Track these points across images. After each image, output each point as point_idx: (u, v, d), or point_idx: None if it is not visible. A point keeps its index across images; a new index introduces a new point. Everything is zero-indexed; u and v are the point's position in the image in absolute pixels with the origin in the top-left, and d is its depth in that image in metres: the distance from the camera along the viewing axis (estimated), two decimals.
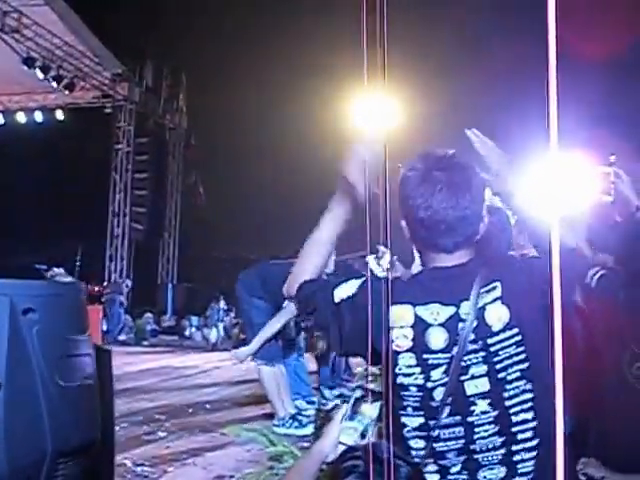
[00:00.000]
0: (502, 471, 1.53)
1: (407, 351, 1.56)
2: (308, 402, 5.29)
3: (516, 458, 1.53)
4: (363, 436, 1.66)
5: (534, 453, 1.52)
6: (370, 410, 1.71)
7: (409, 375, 1.57)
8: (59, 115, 12.57)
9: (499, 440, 1.53)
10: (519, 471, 1.52)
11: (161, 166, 14.27)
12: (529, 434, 1.52)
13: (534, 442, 1.52)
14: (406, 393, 1.58)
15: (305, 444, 3.81)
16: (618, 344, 2.29)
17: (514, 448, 1.53)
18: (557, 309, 1.01)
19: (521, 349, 1.53)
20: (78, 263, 12.09)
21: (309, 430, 4.52)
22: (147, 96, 13.29)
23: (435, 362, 1.55)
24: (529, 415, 1.53)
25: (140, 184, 13.78)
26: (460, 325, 1.53)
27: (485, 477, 1.53)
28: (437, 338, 1.55)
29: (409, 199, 1.60)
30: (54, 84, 10.80)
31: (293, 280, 1.79)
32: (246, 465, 3.70)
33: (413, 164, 1.64)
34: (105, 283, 13.46)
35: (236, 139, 14.41)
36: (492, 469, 1.53)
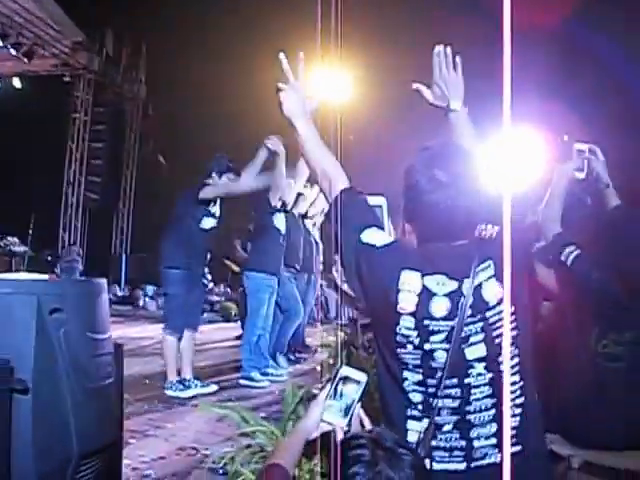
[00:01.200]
0: (494, 426, 1.62)
1: (409, 314, 1.62)
2: (262, 374, 5.63)
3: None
4: (346, 415, 1.70)
5: (521, 410, 1.64)
6: (353, 388, 1.73)
7: (407, 336, 1.63)
8: (17, 83, 12.27)
9: (491, 402, 1.63)
10: (510, 425, 1.61)
11: (118, 136, 14.11)
12: (518, 393, 1.64)
13: (522, 399, 1.65)
14: (404, 350, 1.65)
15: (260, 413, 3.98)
16: (587, 322, 2.36)
17: (503, 408, 1.68)
18: (507, 282, 1.04)
19: (513, 317, 1.64)
20: (30, 232, 11.97)
21: (193, 392, 5.03)
22: (106, 65, 13.07)
23: (435, 328, 1.62)
24: (517, 377, 1.64)
25: (96, 153, 13.63)
26: (462, 300, 1.60)
27: (478, 433, 1.62)
28: (440, 307, 1.61)
29: (417, 202, 1.65)
30: (13, 51, 10.56)
31: (332, 179, 1.80)
32: (206, 437, 3.88)
33: (423, 167, 1.65)
34: (60, 250, 13.34)
35: (193, 109, 14.36)
36: (484, 427, 1.62)
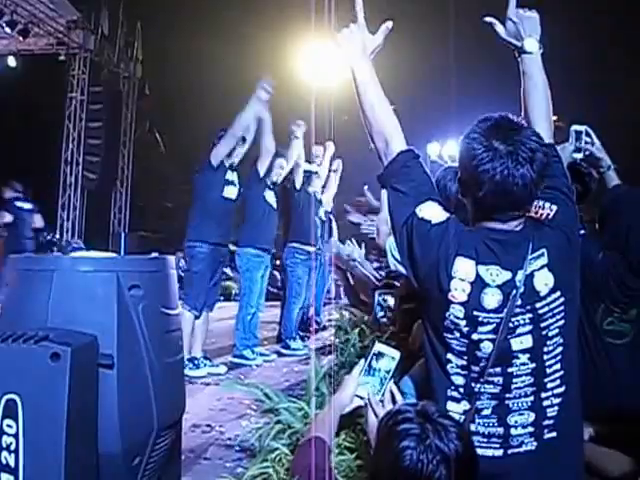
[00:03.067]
0: (532, 416, 1.62)
1: (459, 304, 1.59)
2: (253, 352, 5.70)
3: (545, 404, 1.62)
4: (379, 390, 1.75)
5: (561, 399, 1.63)
6: (387, 365, 1.77)
7: (455, 324, 1.61)
8: (11, 62, 12.08)
9: (531, 389, 1.62)
10: (548, 415, 1.63)
11: (115, 115, 13.97)
12: (558, 382, 1.63)
13: (562, 389, 1.63)
14: (450, 336, 1.63)
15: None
16: (593, 300, 2.38)
17: (543, 395, 1.62)
18: None
19: (562, 308, 1.62)
20: None
21: (204, 371, 5.03)
22: (102, 44, 12.89)
23: (485, 320, 1.59)
24: (559, 366, 1.63)
25: (94, 133, 13.47)
26: (513, 292, 1.57)
27: (516, 422, 1.62)
28: (492, 299, 1.58)
29: (474, 172, 1.58)
30: (8, 30, 10.39)
31: (389, 137, 1.75)
32: (219, 414, 3.89)
33: (480, 135, 1.59)
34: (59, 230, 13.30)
35: (189, 88, 14.27)
36: (522, 414, 1.62)
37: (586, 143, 2.54)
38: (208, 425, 3.67)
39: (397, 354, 1.79)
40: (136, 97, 14.54)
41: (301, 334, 6.58)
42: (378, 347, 1.80)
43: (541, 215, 1.67)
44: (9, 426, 1.54)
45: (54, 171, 13.62)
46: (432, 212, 1.66)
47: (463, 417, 1.62)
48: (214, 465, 3.09)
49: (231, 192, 5.22)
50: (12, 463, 1.53)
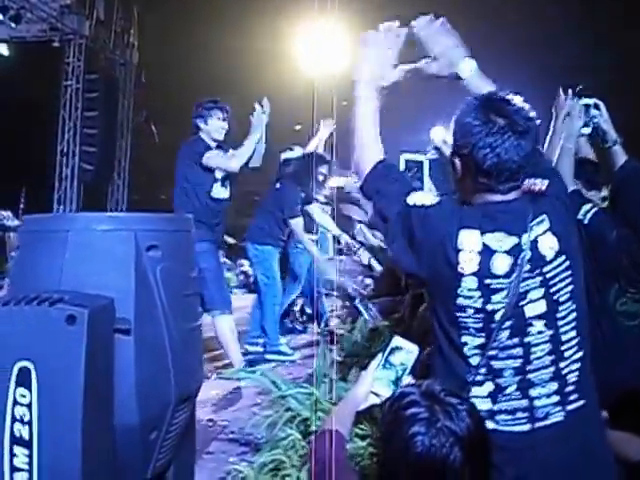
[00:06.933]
0: (554, 385, 1.63)
1: (471, 275, 1.61)
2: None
3: (565, 371, 1.64)
4: (396, 386, 1.70)
5: (579, 364, 1.66)
6: (404, 359, 1.73)
7: (469, 297, 1.61)
8: (3, 50, 11.83)
9: (549, 358, 1.63)
10: (569, 381, 1.65)
11: (111, 104, 13.73)
12: (575, 349, 1.66)
13: (579, 354, 1.66)
14: (464, 314, 1.63)
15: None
16: (606, 280, 2.36)
17: (562, 364, 1.64)
18: None
19: (569, 272, 1.65)
20: (22, 205, 11.73)
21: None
22: (97, 30, 12.64)
23: (498, 287, 1.60)
24: (574, 333, 1.66)
25: (90, 122, 13.25)
26: (522, 255, 1.60)
27: (539, 393, 1.63)
28: (502, 264, 1.60)
29: (474, 147, 1.63)
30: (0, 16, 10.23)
31: (364, 156, 1.80)
32: (221, 409, 3.90)
33: (475, 111, 1.65)
34: None
35: (186, 76, 14.11)
36: (544, 386, 1.63)
37: (594, 117, 2.49)
38: (210, 420, 3.64)
39: (415, 348, 1.75)
40: (133, 85, 14.32)
41: (304, 325, 6.50)
42: (396, 341, 1.76)
43: (534, 189, 1.74)
44: (22, 396, 1.44)
45: (50, 163, 13.42)
46: (422, 198, 1.70)
47: (489, 399, 1.61)
48: (218, 459, 3.07)
49: (220, 193, 4.81)
50: (26, 435, 1.42)
